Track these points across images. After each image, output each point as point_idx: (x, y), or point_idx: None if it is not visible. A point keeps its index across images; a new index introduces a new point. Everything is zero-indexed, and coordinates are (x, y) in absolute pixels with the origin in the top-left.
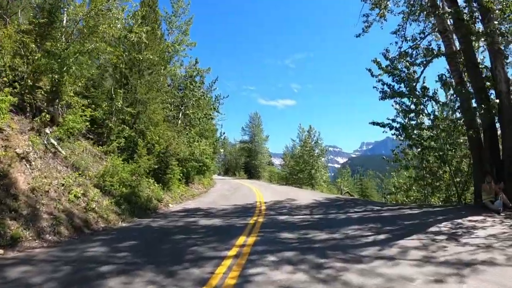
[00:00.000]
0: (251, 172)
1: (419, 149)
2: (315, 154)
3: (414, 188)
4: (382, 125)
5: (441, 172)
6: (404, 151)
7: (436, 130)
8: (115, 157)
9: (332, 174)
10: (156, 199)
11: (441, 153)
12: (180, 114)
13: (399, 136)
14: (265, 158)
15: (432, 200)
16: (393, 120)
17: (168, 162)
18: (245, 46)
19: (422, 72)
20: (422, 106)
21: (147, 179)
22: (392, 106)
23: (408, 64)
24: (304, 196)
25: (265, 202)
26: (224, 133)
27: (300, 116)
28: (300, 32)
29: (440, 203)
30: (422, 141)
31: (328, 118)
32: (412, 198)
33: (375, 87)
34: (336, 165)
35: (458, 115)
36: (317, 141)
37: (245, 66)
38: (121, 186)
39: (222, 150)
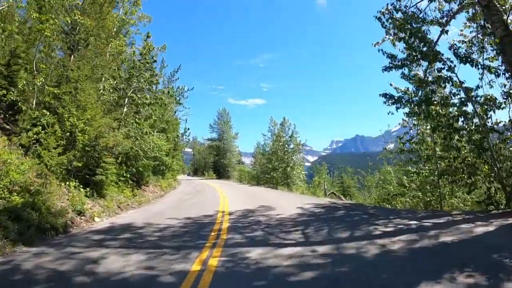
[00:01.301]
0: (220, 172)
1: (447, 132)
2: (290, 149)
3: (428, 187)
4: (393, 101)
5: (479, 163)
6: (421, 138)
7: (472, 104)
8: (6, 151)
9: (306, 172)
10: (75, 211)
11: (479, 136)
12: (126, 100)
13: (416, 118)
14: (235, 156)
15: (448, 203)
16: (405, 93)
17: (100, 158)
18: (214, 45)
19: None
20: (449, 73)
21: (64, 182)
22: (402, 77)
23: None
24: (285, 201)
25: (229, 213)
26: (188, 129)
27: (270, 115)
28: (270, 31)
29: (464, 207)
30: (451, 121)
31: (298, 116)
32: (413, 201)
33: (382, 50)
34: (307, 163)
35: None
36: (293, 134)
37: (214, 65)
38: (12, 194)
39: (190, 150)
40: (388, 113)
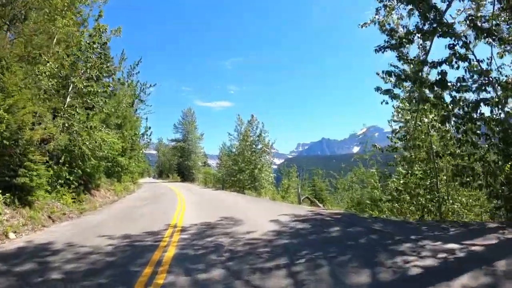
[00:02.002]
0: (185, 174)
1: (461, 123)
2: (258, 150)
3: (422, 191)
4: (399, 78)
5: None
6: (416, 135)
7: (493, 88)
8: None
9: (274, 175)
10: None
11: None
12: (70, 88)
13: (416, 107)
14: (200, 158)
15: (448, 209)
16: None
17: (25, 156)
18: (183, 46)
19: None
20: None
21: None
22: (399, 58)
23: None
24: (254, 211)
25: (182, 230)
26: (150, 127)
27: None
28: (240, 34)
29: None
30: (467, 109)
31: (265, 120)
32: (404, 207)
33: (378, 22)
34: (274, 166)
35: None
36: (261, 133)
37: (182, 66)
38: None
39: (155, 152)
40: (382, 102)
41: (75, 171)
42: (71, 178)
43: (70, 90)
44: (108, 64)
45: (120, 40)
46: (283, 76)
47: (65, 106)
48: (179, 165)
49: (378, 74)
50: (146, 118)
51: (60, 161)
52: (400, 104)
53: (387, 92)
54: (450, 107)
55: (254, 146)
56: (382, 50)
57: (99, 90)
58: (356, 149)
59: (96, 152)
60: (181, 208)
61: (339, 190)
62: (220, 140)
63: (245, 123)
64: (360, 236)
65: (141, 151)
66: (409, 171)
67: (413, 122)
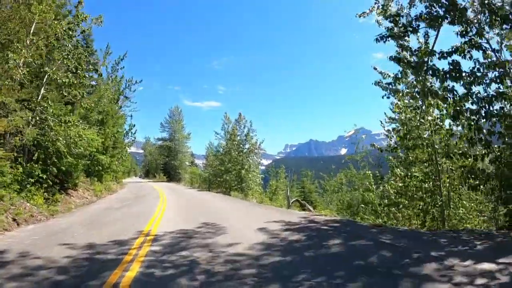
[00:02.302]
0: (171, 174)
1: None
2: (245, 149)
3: (425, 195)
4: (409, 65)
5: None
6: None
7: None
8: None
9: (262, 176)
10: None
11: None
12: (44, 79)
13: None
14: (187, 158)
15: (451, 215)
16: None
17: None
18: (172, 44)
19: None
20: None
21: None
22: (399, 48)
23: None
24: (240, 216)
25: (154, 239)
26: (134, 125)
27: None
28: (229, 34)
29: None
30: (482, 104)
31: (253, 120)
32: (404, 213)
33: (381, 6)
34: (261, 167)
35: None
36: (249, 133)
37: (171, 65)
38: None
39: (142, 151)
40: (383, 97)
41: (49, 169)
42: (45, 176)
43: (44, 81)
44: (87, 55)
45: (105, 35)
46: (271, 77)
47: (39, 98)
48: (165, 164)
49: (375, 68)
50: (131, 115)
51: (34, 158)
52: (399, 102)
53: (387, 86)
54: (462, 102)
55: (241, 145)
56: (384, 40)
57: (76, 82)
58: (344, 151)
59: (72, 149)
60: (160, 211)
61: (328, 192)
62: (208, 140)
63: (233, 122)
64: (368, 252)
65: (125, 150)
66: (409, 173)
67: (416, 119)
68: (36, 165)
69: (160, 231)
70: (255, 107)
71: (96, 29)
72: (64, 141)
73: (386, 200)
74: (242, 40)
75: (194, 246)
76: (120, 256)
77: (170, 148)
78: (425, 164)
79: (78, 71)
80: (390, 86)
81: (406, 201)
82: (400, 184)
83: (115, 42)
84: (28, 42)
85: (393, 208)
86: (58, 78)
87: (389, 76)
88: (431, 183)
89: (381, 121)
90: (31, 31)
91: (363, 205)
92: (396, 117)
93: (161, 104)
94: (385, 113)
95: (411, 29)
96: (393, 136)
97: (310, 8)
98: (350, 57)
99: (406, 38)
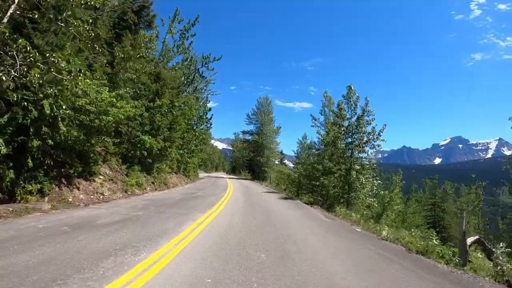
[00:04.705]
0: (255, 172)
1: None
2: (359, 138)
3: None
4: None
5: None
6: None
7: None
8: None
9: (380, 182)
10: None
11: None
12: None
13: None
14: (275, 155)
15: None
16: None
17: None
18: (264, 45)
19: None
20: None
21: None
22: None
23: None
24: None
25: None
26: (210, 109)
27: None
28: (320, 36)
29: None
30: None
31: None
32: None
33: None
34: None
35: None
36: (364, 114)
37: (263, 66)
38: None
39: (230, 148)
40: None
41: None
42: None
43: None
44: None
45: (206, 41)
46: (363, 79)
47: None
48: (250, 161)
49: None
50: (206, 97)
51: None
52: None
53: None
54: None
55: (351, 133)
56: None
57: None
58: (438, 161)
59: (61, 110)
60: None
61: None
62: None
63: (335, 103)
64: None
65: (195, 137)
66: None
67: None
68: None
69: None
70: None
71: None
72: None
73: None
74: (333, 41)
75: None
76: None
77: (256, 142)
78: None
79: None
80: None
81: None
82: None
83: (207, 47)
84: None
85: None
86: None
87: None
88: None
89: None
90: None
91: None
92: None
93: (253, 104)
94: None
95: None
96: None
97: (401, 7)
98: (443, 59)
99: None
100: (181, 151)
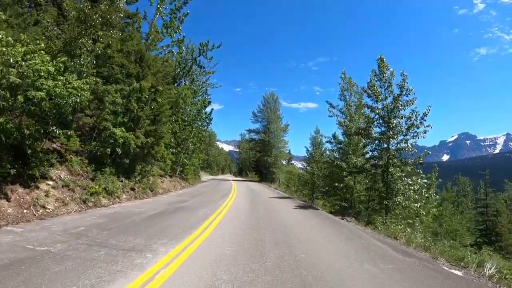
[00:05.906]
0: (263, 173)
1: None
2: (404, 104)
3: None
4: None
5: None
6: None
7: None
8: None
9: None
10: None
11: None
12: None
13: None
14: (283, 155)
15: None
16: None
17: None
18: (269, 46)
19: None
20: None
21: None
22: None
23: None
24: None
25: None
26: (210, 102)
27: (322, 119)
28: (324, 36)
29: None
30: None
31: None
32: None
33: None
34: None
35: None
36: (403, 91)
37: (267, 67)
38: None
39: (237, 150)
40: None
41: None
42: None
43: None
44: None
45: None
46: (366, 77)
47: None
48: (257, 161)
49: None
50: (206, 90)
51: None
52: None
53: None
54: None
55: (387, 117)
56: None
57: None
58: (446, 157)
59: None
60: None
61: None
62: (305, 142)
63: (357, 85)
64: None
65: (195, 136)
66: None
67: None
68: None
69: None
70: None
71: None
72: None
73: None
74: (336, 41)
75: None
76: None
77: (263, 141)
78: None
79: None
80: None
81: None
82: None
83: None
84: None
85: None
86: None
87: None
88: None
89: None
90: None
91: None
92: None
93: (257, 105)
94: None
95: None
96: None
97: (402, 4)
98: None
99: None
100: (174, 150)
